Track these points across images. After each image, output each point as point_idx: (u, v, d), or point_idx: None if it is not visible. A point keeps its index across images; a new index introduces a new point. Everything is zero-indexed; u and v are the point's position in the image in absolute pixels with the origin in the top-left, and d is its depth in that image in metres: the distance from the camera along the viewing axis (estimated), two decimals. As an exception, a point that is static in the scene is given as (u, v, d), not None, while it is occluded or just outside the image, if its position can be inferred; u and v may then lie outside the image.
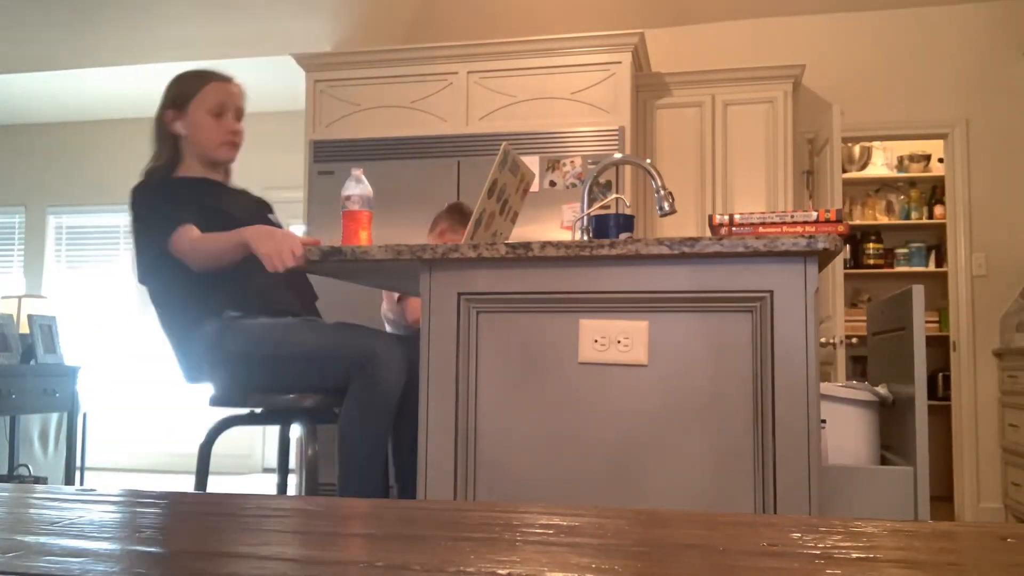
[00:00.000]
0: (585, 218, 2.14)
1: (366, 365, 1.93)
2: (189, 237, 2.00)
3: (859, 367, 5.47)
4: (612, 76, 4.08)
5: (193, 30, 5.15)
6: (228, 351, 2.02)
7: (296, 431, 2.27)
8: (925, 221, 5.48)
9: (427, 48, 4.25)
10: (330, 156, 4.25)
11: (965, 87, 4.59)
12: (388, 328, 3.18)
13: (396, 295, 3.13)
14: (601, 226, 2.00)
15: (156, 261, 2.07)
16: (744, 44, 4.75)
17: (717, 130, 4.32)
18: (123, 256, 6.64)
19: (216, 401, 2.06)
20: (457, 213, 3.20)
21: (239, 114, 2.23)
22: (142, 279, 2.13)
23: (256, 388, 2.03)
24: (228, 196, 2.24)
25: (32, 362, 4.37)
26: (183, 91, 2.20)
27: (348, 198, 1.96)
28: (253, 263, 1.90)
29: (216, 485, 5.36)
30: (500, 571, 0.49)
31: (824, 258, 1.58)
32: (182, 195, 2.13)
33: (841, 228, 1.68)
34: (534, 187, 3.91)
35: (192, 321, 2.07)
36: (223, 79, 2.23)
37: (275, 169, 5.84)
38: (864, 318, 4.74)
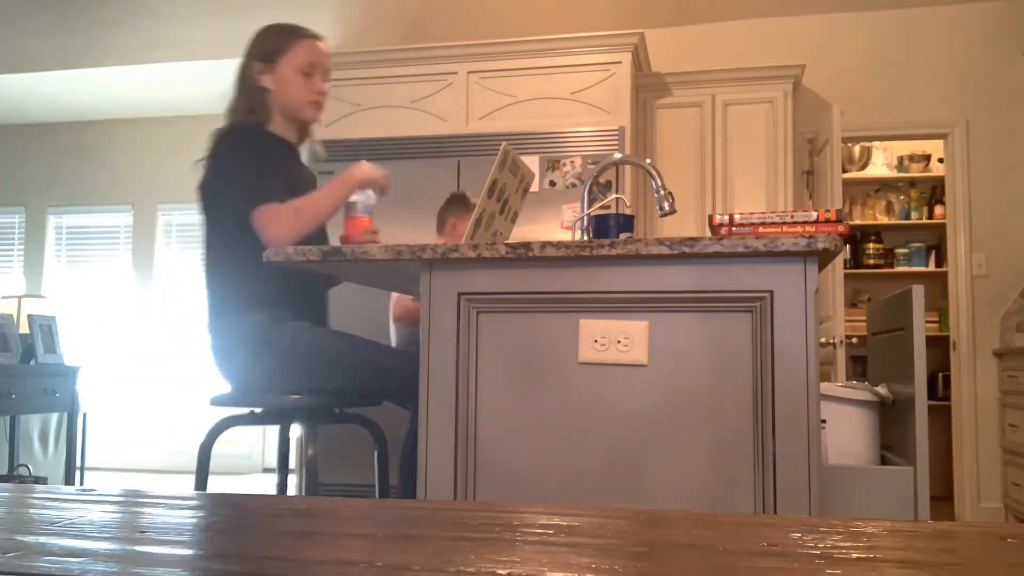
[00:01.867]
0: (585, 218, 2.14)
1: None
2: (290, 208, 1.98)
3: (859, 367, 5.47)
4: (612, 76, 4.08)
5: (193, 30, 5.15)
6: (274, 346, 1.98)
7: (296, 431, 2.27)
8: (925, 221, 5.48)
9: (427, 48, 4.25)
10: (330, 156, 4.24)
11: (965, 87, 4.59)
12: (400, 328, 3.18)
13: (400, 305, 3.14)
14: (601, 226, 2.00)
15: (225, 222, 2.04)
16: (744, 44, 4.75)
17: (717, 130, 4.32)
18: (123, 256, 6.64)
19: (217, 401, 2.06)
20: (460, 202, 3.21)
21: (326, 74, 2.20)
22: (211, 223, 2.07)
23: (281, 387, 2.00)
24: (298, 165, 2.22)
25: (32, 362, 4.37)
26: (274, 45, 2.15)
27: (353, 204, 2.10)
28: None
29: (216, 485, 5.36)
30: (500, 571, 0.49)
31: (824, 258, 1.58)
32: (273, 154, 2.10)
33: (841, 228, 1.68)
34: (534, 187, 3.91)
35: (235, 304, 2.04)
36: (314, 36, 2.19)
37: (275, 169, 5.83)
38: (864, 318, 4.74)
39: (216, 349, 2.06)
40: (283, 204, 1.99)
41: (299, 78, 2.14)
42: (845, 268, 4.85)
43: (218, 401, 2.05)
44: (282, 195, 2.00)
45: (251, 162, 2.03)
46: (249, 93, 2.15)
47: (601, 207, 2.84)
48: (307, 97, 2.15)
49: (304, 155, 2.32)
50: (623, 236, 1.98)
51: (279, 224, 1.97)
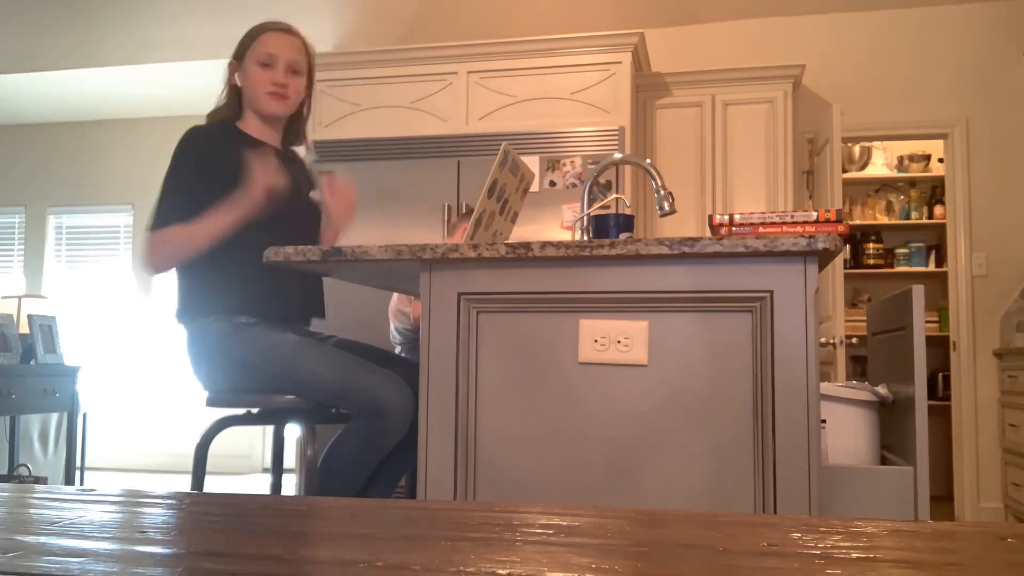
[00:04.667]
0: (585, 218, 2.14)
1: (376, 416, 1.88)
2: (172, 236, 1.97)
3: (859, 367, 5.47)
4: (612, 76, 4.07)
5: (193, 30, 5.15)
6: (232, 356, 1.97)
7: (292, 431, 2.26)
8: (925, 221, 5.48)
9: (427, 48, 4.25)
10: (330, 156, 4.25)
11: (965, 87, 4.59)
12: (395, 325, 3.18)
13: (402, 305, 3.14)
14: (601, 226, 2.00)
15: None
16: (744, 44, 4.75)
17: (717, 130, 4.32)
18: (123, 256, 6.64)
19: (212, 402, 2.06)
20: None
21: (292, 66, 2.12)
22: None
23: (248, 392, 2.00)
24: (288, 166, 2.14)
25: (32, 362, 4.37)
26: (242, 42, 2.14)
27: None
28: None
29: (216, 485, 5.36)
30: (500, 571, 0.49)
31: (824, 258, 1.58)
32: (220, 159, 2.03)
33: (841, 228, 1.68)
34: (534, 187, 3.91)
35: (198, 309, 2.02)
36: (279, 29, 2.14)
37: (275, 169, 5.83)
38: (864, 318, 4.74)
39: (188, 350, 2.06)
40: (165, 232, 1.98)
41: (257, 70, 2.10)
42: (845, 268, 4.85)
43: (212, 402, 2.05)
44: (196, 211, 1.97)
45: (178, 177, 2.02)
46: (228, 92, 2.17)
47: (601, 207, 2.84)
48: (264, 88, 2.09)
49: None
50: (623, 236, 1.98)
51: (152, 254, 1.99)
